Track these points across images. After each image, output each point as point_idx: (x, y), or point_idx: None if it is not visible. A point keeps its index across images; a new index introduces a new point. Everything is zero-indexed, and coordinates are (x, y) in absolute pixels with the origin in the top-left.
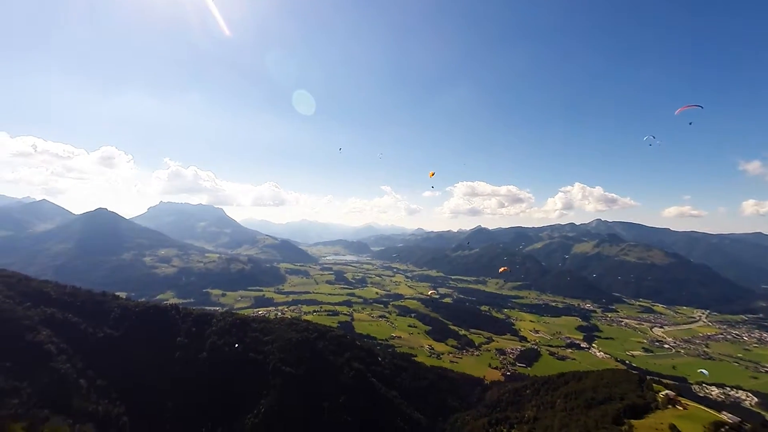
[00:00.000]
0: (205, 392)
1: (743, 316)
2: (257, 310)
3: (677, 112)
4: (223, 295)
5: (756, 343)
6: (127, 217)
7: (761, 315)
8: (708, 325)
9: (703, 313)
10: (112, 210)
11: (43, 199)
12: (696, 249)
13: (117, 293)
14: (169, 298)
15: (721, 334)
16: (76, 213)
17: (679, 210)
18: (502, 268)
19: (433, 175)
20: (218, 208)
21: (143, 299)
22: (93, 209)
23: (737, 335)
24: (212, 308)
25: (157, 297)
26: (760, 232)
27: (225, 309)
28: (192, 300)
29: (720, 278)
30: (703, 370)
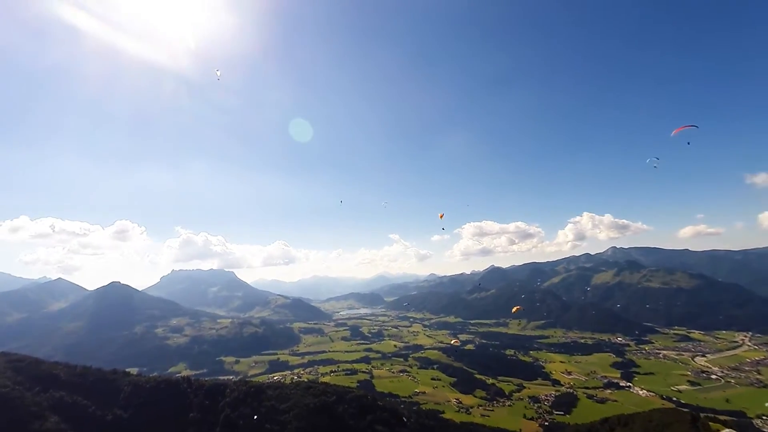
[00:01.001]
0: None
1: None
2: (272, 375)
3: (673, 133)
4: (237, 362)
5: None
6: (140, 289)
7: None
8: (754, 348)
9: (745, 336)
10: (125, 283)
11: (59, 278)
12: (721, 268)
13: (129, 369)
14: (182, 370)
15: None
16: (89, 289)
17: (694, 229)
18: (516, 308)
19: (442, 216)
20: (229, 271)
21: (155, 373)
22: (106, 284)
23: None
24: (226, 377)
25: (169, 370)
26: None
27: (239, 377)
28: (205, 370)
29: (754, 296)
30: None
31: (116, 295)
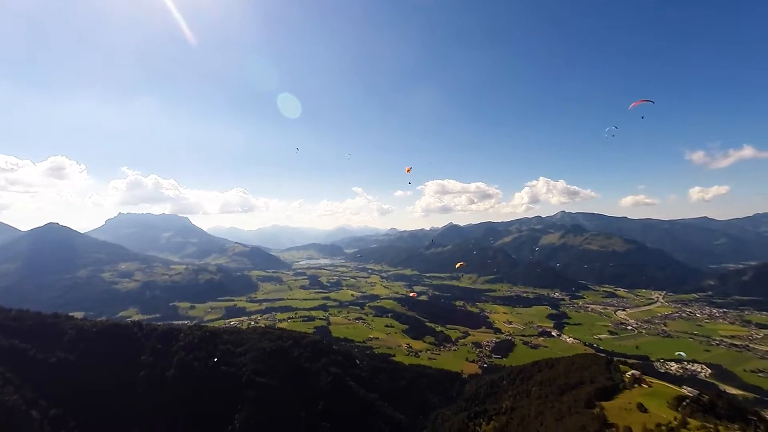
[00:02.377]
0: (175, 412)
1: (695, 295)
2: (229, 321)
3: (631, 107)
4: (192, 307)
5: (707, 319)
6: (82, 231)
7: (710, 293)
8: (665, 305)
9: (660, 295)
10: (64, 224)
11: None
12: (651, 235)
13: (72, 314)
14: (132, 315)
15: (677, 312)
16: (23, 230)
17: (634, 199)
18: (459, 264)
19: (410, 170)
20: (183, 217)
21: (103, 318)
22: (42, 224)
23: (690, 313)
24: (180, 322)
25: (119, 315)
26: (705, 217)
27: (194, 322)
28: (158, 315)
29: (673, 261)
30: (682, 353)
31: (54, 236)
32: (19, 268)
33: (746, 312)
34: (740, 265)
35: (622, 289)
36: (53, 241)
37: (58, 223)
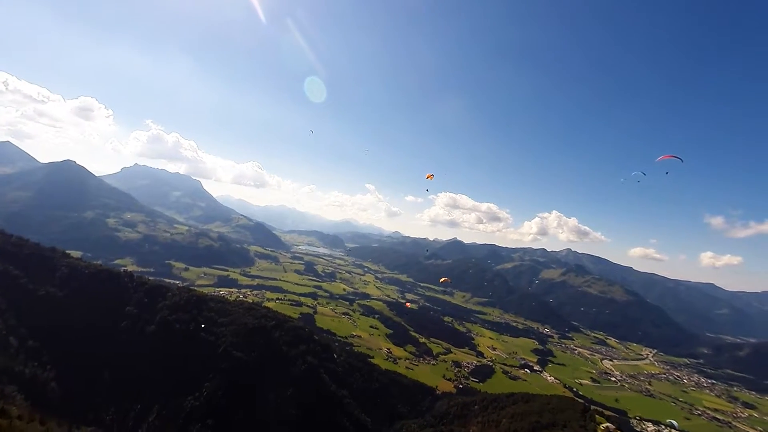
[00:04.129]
0: (147, 367)
1: (686, 360)
2: (219, 289)
3: (658, 159)
4: (186, 269)
5: (694, 387)
6: (97, 174)
7: (702, 361)
8: (653, 364)
9: (650, 352)
10: (81, 164)
11: (7, 141)
12: (653, 290)
13: (70, 251)
14: (128, 265)
15: (664, 374)
16: (41, 162)
17: (644, 251)
18: (443, 279)
19: (431, 177)
20: (196, 179)
21: (99, 261)
22: (60, 160)
23: (678, 377)
24: (171, 281)
25: (115, 261)
26: (712, 284)
27: (185, 284)
28: (152, 269)
29: (671, 321)
30: (673, 422)
31: (70, 173)
32: (30, 197)
33: (735, 388)
34: (738, 340)
35: (613, 339)
36: (68, 178)
37: (75, 162)
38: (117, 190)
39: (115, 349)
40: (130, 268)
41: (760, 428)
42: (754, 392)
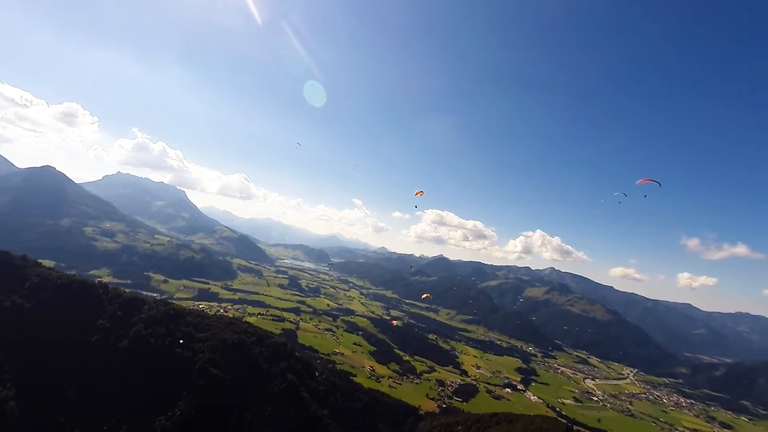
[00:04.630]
0: (117, 385)
1: (666, 379)
2: (198, 303)
3: (638, 182)
4: (165, 281)
5: (673, 406)
6: (77, 182)
7: (681, 380)
8: (634, 383)
9: (631, 371)
10: (61, 170)
11: None
12: (633, 310)
13: (42, 261)
14: (104, 276)
15: (645, 393)
16: (19, 166)
17: (624, 271)
18: (425, 295)
19: (421, 194)
20: (180, 189)
21: (73, 272)
22: (39, 165)
23: (658, 396)
24: (149, 293)
25: (90, 272)
26: (689, 304)
27: (163, 297)
28: (129, 281)
29: (650, 341)
30: None
31: (48, 179)
32: (6, 203)
33: (713, 408)
34: (714, 359)
35: (595, 358)
36: (46, 184)
37: (54, 168)
38: (97, 198)
39: (84, 364)
40: (106, 280)
41: None
42: (730, 412)
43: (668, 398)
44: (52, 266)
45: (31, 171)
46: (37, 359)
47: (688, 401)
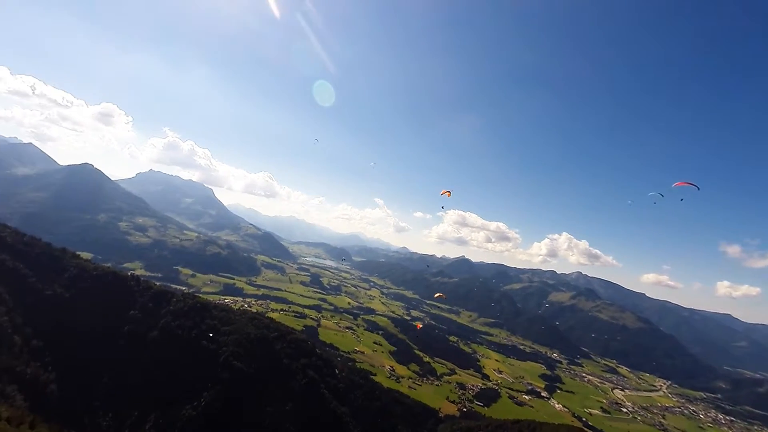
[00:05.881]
0: (147, 374)
1: (702, 394)
2: (224, 297)
3: (675, 185)
4: (193, 275)
5: (711, 423)
6: (113, 178)
7: (719, 395)
8: (667, 396)
9: (664, 383)
10: (98, 168)
11: (30, 143)
12: (667, 319)
13: (80, 252)
14: (137, 269)
15: (679, 407)
16: (61, 164)
17: (657, 278)
18: (438, 294)
19: (449, 194)
20: (208, 187)
21: (108, 264)
22: (79, 163)
23: (694, 411)
24: (178, 287)
25: (124, 265)
26: (729, 314)
27: (191, 290)
28: (159, 275)
29: (686, 352)
30: None
31: (87, 176)
32: (47, 198)
33: (756, 427)
34: (758, 375)
35: (624, 368)
36: (84, 181)
37: (92, 165)
38: (131, 195)
39: (116, 353)
40: (138, 272)
41: None
42: None
43: (705, 414)
44: (89, 258)
45: (72, 168)
46: (74, 346)
47: (728, 418)
